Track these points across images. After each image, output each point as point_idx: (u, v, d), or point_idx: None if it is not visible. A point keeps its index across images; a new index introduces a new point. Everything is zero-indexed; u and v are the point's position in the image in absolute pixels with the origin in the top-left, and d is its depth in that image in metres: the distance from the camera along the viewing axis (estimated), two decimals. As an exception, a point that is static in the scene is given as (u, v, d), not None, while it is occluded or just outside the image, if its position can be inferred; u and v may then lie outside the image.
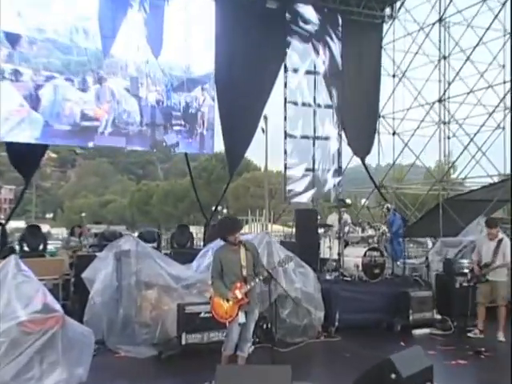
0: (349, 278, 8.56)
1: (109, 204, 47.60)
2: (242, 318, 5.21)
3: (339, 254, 8.48)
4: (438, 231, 12.44)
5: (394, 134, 17.08)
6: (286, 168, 12.37)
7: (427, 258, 9.37)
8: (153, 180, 53.21)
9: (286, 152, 12.56)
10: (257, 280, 5.26)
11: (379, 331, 7.89)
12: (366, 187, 16.31)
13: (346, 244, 8.93)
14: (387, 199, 12.93)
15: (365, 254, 8.41)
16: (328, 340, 7.35)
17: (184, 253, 9.31)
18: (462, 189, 15.16)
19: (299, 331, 7.12)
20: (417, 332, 7.80)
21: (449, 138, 15.48)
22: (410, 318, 7.92)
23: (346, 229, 8.78)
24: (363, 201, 16.70)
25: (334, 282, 8.24)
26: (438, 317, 8.11)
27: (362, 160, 13.38)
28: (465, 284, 7.99)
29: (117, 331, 6.49)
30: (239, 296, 5.17)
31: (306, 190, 12.93)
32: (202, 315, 6.34)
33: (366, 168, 13.44)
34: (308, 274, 7.52)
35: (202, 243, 11.73)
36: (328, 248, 8.82)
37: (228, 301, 5.12)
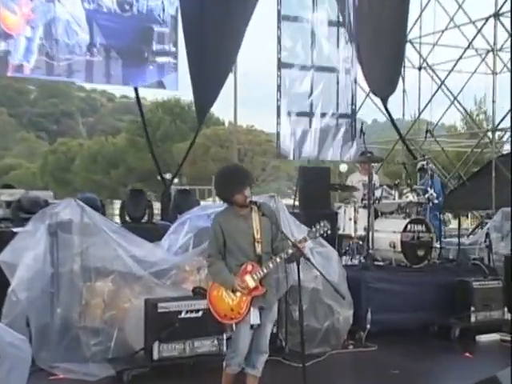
0: (381, 263, 8.36)
1: (12, 171, 46.12)
2: (255, 318, 4.80)
3: (367, 229, 8.24)
4: (489, 201, 12.26)
5: (420, 68, 16.76)
6: (279, 113, 11.77)
7: (488, 236, 8.98)
8: (73, 138, 51.85)
9: (279, 89, 11.95)
10: (277, 260, 4.80)
11: (428, 337, 7.80)
12: (380, 143, 16.01)
13: (377, 215, 8.62)
14: (417, 157, 12.55)
15: (405, 229, 8.22)
16: (359, 350, 7.25)
17: (141, 229, 8.67)
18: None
19: (319, 338, 6.98)
20: (482, 338, 7.71)
21: (496, 73, 15.23)
22: (472, 318, 7.84)
23: (378, 193, 8.27)
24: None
25: (362, 269, 8.00)
26: (509, 317, 8.04)
27: (384, 102, 12.92)
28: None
29: (52, 342, 6.15)
30: (251, 284, 4.77)
31: (304, 143, 12.42)
32: (183, 315, 6.10)
33: (389, 112, 12.96)
34: (330, 256, 7.21)
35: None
36: (350, 221, 8.46)
37: (235, 292, 4.78)
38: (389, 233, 8.34)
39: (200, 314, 6.11)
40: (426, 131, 9.60)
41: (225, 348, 6.15)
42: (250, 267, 4.77)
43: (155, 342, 6.01)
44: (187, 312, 6.08)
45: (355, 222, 8.44)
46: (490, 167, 12.93)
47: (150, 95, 41.71)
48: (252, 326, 4.79)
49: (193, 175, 35.36)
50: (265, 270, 4.80)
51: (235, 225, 4.85)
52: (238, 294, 4.77)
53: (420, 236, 8.32)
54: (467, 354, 6.99)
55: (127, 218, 9.81)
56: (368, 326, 7.49)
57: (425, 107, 15.59)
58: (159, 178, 12.50)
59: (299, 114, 12.70)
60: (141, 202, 10.18)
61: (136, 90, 11.86)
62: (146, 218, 9.91)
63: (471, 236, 11.73)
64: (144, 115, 13.37)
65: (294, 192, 10.23)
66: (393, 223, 8.47)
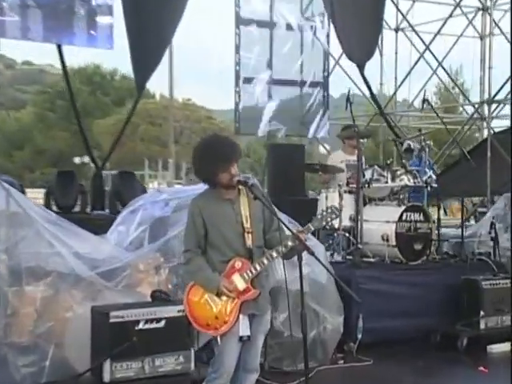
0: (372, 259, 8.27)
1: None
2: (244, 328, 4.63)
3: (356, 219, 8.14)
4: (484, 186, 12.37)
5: (397, 30, 16.79)
6: (237, 80, 11.59)
7: (493, 226, 8.99)
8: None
9: (238, 50, 11.81)
10: (273, 254, 4.61)
11: (430, 348, 7.76)
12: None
13: (365, 202, 8.56)
14: (398, 134, 12.55)
15: (400, 218, 8.18)
16: (352, 365, 7.15)
17: (73, 220, 8.31)
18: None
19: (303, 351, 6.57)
20: (494, 349, 7.72)
21: (482, 37, 15.40)
22: (482, 325, 7.83)
23: (367, 175, 8.22)
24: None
25: (351, 267, 7.91)
26: None
27: (360, 69, 12.85)
28: None
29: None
30: (240, 286, 4.59)
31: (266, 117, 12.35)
32: (142, 326, 5.89)
33: (366, 81, 12.90)
34: (317, 251, 6.92)
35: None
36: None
37: (220, 296, 4.59)
38: (381, 223, 8.26)
39: (162, 324, 5.94)
40: (423, 100, 9.50)
41: (192, 366, 6.03)
42: (238, 264, 4.61)
43: (106, 361, 5.77)
44: (146, 322, 5.89)
45: (340, 210, 8.18)
46: (483, 146, 13.03)
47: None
48: (241, 339, 4.62)
49: (118, 158, 34.73)
50: (258, 268, 4.60)
51: (219, 211, 4.65)
52: (224, 297, 4.59)
53: (417, 227, 8.29)
54: (482, 368, 6.93)
55: (54, 208, 9.56)
56: (359, 336, 7.44)
57: (407, 75, 15.61)
58: (90, 160, 12.20)
59: (260, 83, 12.58)
60: (71, 188, 9.96)
61: (60, 48, 11.72)
62: (78, 207, 9.71)
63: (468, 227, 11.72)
64: (69, 83, 13.05)
65: (262, 175, 10.02)
66: (385, 211, 8.38)
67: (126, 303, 6.07)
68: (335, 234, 8.39)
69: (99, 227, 7.38)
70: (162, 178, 26.76)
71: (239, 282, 4.57)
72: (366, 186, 8.24)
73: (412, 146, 9.15)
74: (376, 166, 8.42)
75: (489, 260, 8.66)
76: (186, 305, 4.68)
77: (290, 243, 4.57)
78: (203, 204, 4.68)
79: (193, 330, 5.99)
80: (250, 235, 4.62)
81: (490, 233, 9.27)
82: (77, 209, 10.13)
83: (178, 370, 5.98)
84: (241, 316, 4.59)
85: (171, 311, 5.95)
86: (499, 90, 13.25)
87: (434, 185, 8.58)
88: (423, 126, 19.87)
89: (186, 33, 12.41)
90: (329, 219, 4.70)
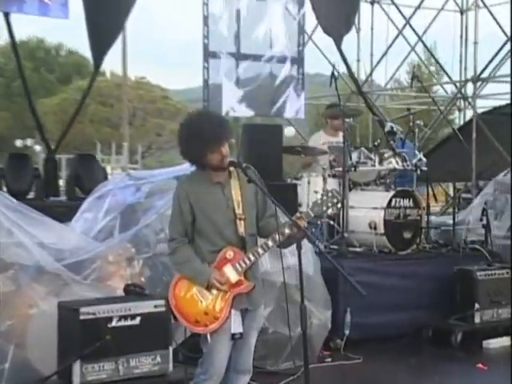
0: (359, 249, 8.23)
1: None
2: (237, 325, 4.56)
3: (341, 205, 7.99)
4: (468, 170, 12.44)
5: (373, 2, 16.78)
6: (206, 55, 11.44)
7: (485, 212, 9.04)
8: None
9: (206, 22, 11.64)
10: (269, 243, 4.53)
11: (423, 343, 7.81)
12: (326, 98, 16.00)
13: (349, 186, 8.42)
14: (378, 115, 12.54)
15: (389, 204, 8.15)
16: (340, 364, 7.13)
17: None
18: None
19: (288, 349, 6.78)
20: (491, 344, 7.74)
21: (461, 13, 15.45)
22: (477, 318, 7.86)
23: (354, 157, 8.16)
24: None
25: (337, 257, 7.81)
26: None
27: (338, 43, 12.79)
28: None
29: None
30: (233, 278, 4.52)
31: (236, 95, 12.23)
32: (115, 324, 5.79)
33: (343, 56, 12.84)
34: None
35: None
36: (316, 194, 8.11)
37: (210, 289, 4.51)
38: (368, 210, 8.22)
39: (137, 321, 5.85)
40: (412, 77, 9.45)
41: (170, 367, 5.96)
42: (230, 254, 4.53)
43: (76, 363, 5.63)
44: (120, 319, 5.77)
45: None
46: (468, 127, 13.09)
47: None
48: (233, 336, 4.54)
49: (66, 141, 34.28)
50: (251, 258, 4.52)
51: (209, 196, 4.56)
52: (215, 291, 4.50)
53: (407, 213, 8.29)
54: (480, 365, 6.94)
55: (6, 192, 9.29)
56: (347, 332, 7.44)
57: (387, 50, 15.62)
58: (43, 142, 12.04)
59: (226, 57, 12.45)
60: (25, 172, 9.77)
61: (7, 17, 11.62)
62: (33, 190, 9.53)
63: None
64: (19, 57, 12.81)
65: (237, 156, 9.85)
66: (372, 197, 8.34)
67: (97, 298, 5.96)
68: (318, 222, 8.29)
69: (58, 215, 7.13)
70: (116, 163, 26.48)
71: (231, 274, 4.48)
72: (353, 169, 8.15)
73: (394, 129, 9.06)
74: (363, 148, 8.35)
75: (482, 249, 8.68)
76: (172, 299, 4.57)
77: (287, 231, 4.47)
78: (190, 188, 4.57)
79: (170, 327, 5.94)
80: (242, 222, 4.54)
81: (481, 220, 9.26)
82: (31, 195, 9.92)
83: (155, 371, 5.88)
84: (233, 311, 4.50)
85: (147, 307, 5.87)
86: (486, 67, 13.30)
87: (424, 168, 8.54)
88: (398, 107, 20.10)
89: (142, 5, 12.21)
90: (329, 204, 4.59)
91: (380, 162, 8.37)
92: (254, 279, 4.58)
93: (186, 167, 6.90)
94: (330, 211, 8.06)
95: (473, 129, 12.76)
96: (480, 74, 13.35)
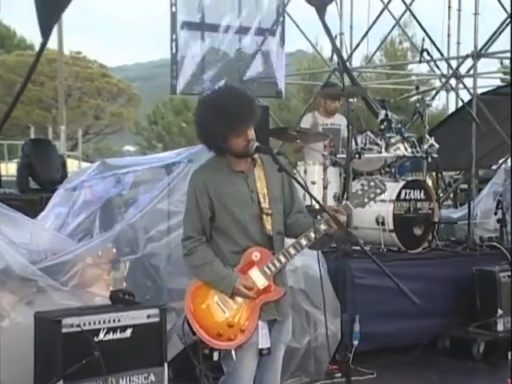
0: (366, 248, 7.99)
1: None
2: (264, 339, 4.47)
3: (342, 198, 8.17)
4: (463, 158, 12.47)
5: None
6: (174, 26, 11.24)
7: (500, 206, 9.02)
8: None
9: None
10: (303, 242, 4.43)
11: (440, 356, 7.82)
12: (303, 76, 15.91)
13: (355, 176, 8.40)
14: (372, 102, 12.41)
15: (398, 196, 8.11)
16: (353, 380, 6.76)
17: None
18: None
19: (294, 364, 6.90)
20: (519, 355, 7.82)
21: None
22: (500, 326, 7.86)
23: (359, 141, 8.19)
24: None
25: (342, 256, 7.65)
26: None
27: (320, 14, 12.63)
28: None
29: None
30: (261, 284, 4.42)
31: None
32: (103, 337, 5.63)
33: (328, 29, 12.71)
34: None
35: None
36: (314, 185, 8.16)
37: (234, 296, 4.42)
38: (375, 204, 8.07)
39: (128, 333, 5.69)
40: (421, 51, 9.37)
41: None
42: (256, 255, 4.43)
43: (59, 383, 5.44)
44: (108, 332, 5.61)
45: (325, 188, 8.06)
46: (465, 110, 13.07)
47: None
48: (261, 352, 4.46)
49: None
50: (282, 261, 4.43)
51: (231, 187, 4.46)
52: (240, 299, 4.41)
53: (417, 207, 8.29)
54: (510, 381, 6.88)
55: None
56: (355, 343, 7.39)
57: (373, 24, 15.56)
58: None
59: (191, 28, 12.28)
60: None
61: None
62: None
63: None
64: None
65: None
66: (380, 188, 8.21)
67: (80, 307, 5.82)
68: (318, 217, 8.18)
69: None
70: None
71: (258, 279, 4.40)
72: (357, 156, 8.06)
73: (390, 116, 8.96)
74: (369, 132, 8.27)
75: (501, 246, 8.67)
76: (190, 310, 4.47)
77: (323, 227, 4.40)
78: (209, 178, 4.45)
79: (165, 341, 5.80)
80: (269, 218, 4.45)
81: (495, 213, 9.28)
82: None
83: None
84: (260, 323, 4.42)
85: (139, 317, 5.72)
86: (491, 42, 13.29)
87: (435, 155, 8.50)
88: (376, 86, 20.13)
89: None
90: (372, 195, 4.55)
91: (386, 148, 8.31)
92: (283, 285, 4.50)
93: (175, 155, 6.81)
94: (329, 204, 8.14)
95: (473, 112, 12.68)
96: (481, 49, 13.35)
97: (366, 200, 4.53)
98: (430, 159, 8.49)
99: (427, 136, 8.51)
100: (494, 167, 15.52)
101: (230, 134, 4.33)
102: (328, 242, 4.52)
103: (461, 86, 14.72)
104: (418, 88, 9.21)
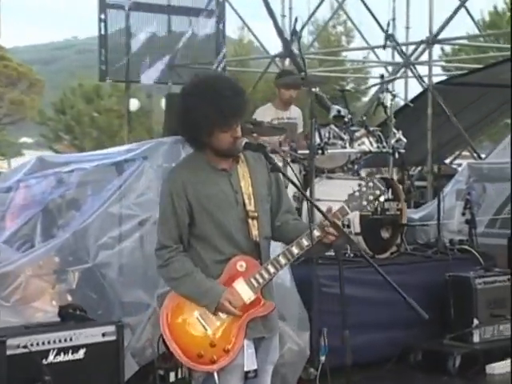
0: (331, 253, 8.08)
1: None
2: (250, 361, 4.38)
3: (301, 198, 8.15)
4: (416, 153, 12.59)
5: None
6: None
7: (468, 205, 9.10)
8: None
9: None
10: (294, 250, 4.35)
11: (413, 371, 7.86)
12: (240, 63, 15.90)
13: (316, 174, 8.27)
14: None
15: None
16: None
17: None
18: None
19: None
20: (496, 369, 7.77)
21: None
22: (476, 337, 7.91)
23: (326, 134, 8.16)
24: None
25: (308, 263, 7.61)
26: None
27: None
28: None
29: None
30: (246, 297, 4.33)
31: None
32: (53, 359, 5.60)
33: (270, 9, 12.76)
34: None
35: None
36: None
37: (217, 311, 4.30)
38: (338, 203, 8.06)
39: (81, 354, 5.68)
40: (387, 36, 9.36)
41: None
42: (242, 265, 4.34)
43: None
44: (59, 353, 5.60)
45: (285, 187, 7.99)
46: (421, 100, 13.23)
47: None
48: (247, 375, 4.37)
49: None
50: (271, 271, 4.33)
51: (212, 187, 4.37)
52: (223, 315, 4.31)
53: (385, 207, 8.29)
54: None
55: None
56: (323, 359, 7.33)
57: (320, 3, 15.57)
58: None
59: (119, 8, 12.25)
60: None
61: None
62: None
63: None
64: None
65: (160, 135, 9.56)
66: (344, 187, 8.07)
67: (26, 325, 5.70)
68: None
69: None
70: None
71: (245, 292, 4.31)
72: (320, 152, 8.02)
73: (342, 112, 8.94)
74: (332, 126, 8.24)
75: (473, 250, 8.73)
76: (165, 327, 4.33)
77: (317, 233, 4.34)
78: (187, 178, 4.35)
79: (123, 361, 5.70)
80: (255, 222, 4.37)
81: (463, 214, 9.35)
82: None
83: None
84: (245, 342, 4.33)
85: (93, 335, 5.70)
86: (445, 26, 13.46)
87: (402, 150, 8.53)
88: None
89: None
90: (371, 197, 4.51)
91: (350, 143, 8.29)
92: (271, 298, 4.42)
93: (124, 151, 6.68)
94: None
95: (428, 102, 12.84)
96: (438, 35, 13.49)
97: (365, 203, 4.50)
98: (396, 155, 8.53)
99: (394, 130, 8.52)
100: (447, 161, 15.86)
101: (218, 127, 4.24)
102: (324, 249, 4.44)
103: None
104: (382, 77, 9.23)
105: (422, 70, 15.88)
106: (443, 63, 22.79)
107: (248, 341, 4.32)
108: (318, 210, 4.41)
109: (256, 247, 4.34)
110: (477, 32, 18.73)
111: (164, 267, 4.35)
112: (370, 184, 4.50)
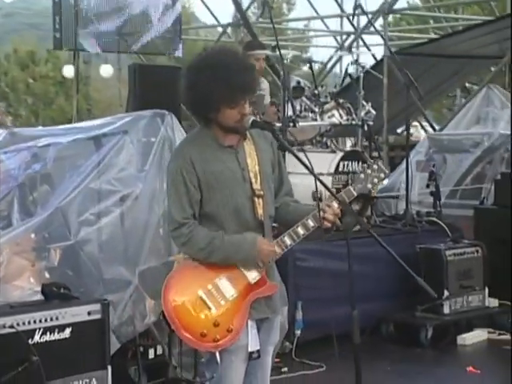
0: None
1: None
2: (254, 341, 4.33)
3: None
4: (379, 122, 12.64)
5: None
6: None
7: (433, 177, 9.13)
8: None
9: None
10: (299, 231, 4.33)
11: (386, 342, 7.91)
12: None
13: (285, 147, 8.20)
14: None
15: (336, 169, 8.08)
16: (300, 374, 7.06)
17: None
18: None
19: None
20: (468, 339, 7.92)
21: None
22: (446, 309, 7.99)
23: (297, 107, 8.14)
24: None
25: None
26: (494, 303, 8.38)
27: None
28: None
29: None
30: (251, 278, 4.29)
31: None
32: (39, 339, 5.41)
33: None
34: None
35: None
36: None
37: (259, 261, 4.28)
38: (311, 176, 8.04)
39: (67, 333, 5.48)
40: (355, 7, 9.27)
41: None
42: None
43: None
44: (45, 332, 5.39)
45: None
46: (378, 70, 13.20)
47: None
48: (251, 356, 4.32)
49: None
50: (277, 251, 4.29)
51: (219, 164, 4.27)
52: (229, 294, 4.24)
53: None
54: (471, 369, 7.04)
55: None
56: (298, 332, 7.40)
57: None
58: None
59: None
60: None
61: None
62: None
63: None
64: None
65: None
66: (316, 160, 8.03)
67: (10, 305, 5.51)
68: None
69: None
70: None
71: (249, 272, 4.25)
72: (291, 124, 7.94)
73: (302, 84, 8.86)
74: (304, 98, 8.16)
75: (440, 222, 8.77)
76: (168, 306, 4.24)
77: (311, 224, 4.31)
78: (196, 154, 4.23)
79: (108, 340, 5.59)
80: (260, 200, 4.30)
81: (428, 186, 9.37)
82: None
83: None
84: (249, 322, 4.27)
85: (79, 314, 5.51)
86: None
87: (371, 123, 8.52)
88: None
89: None
90: (375, 180, 4.47)
91: (320, 115, 8.24)
92: (274, 279, 4.39)
93: (99, 125, 6.50)
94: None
95: (384, 72, 12.80)
96: (392, 5, 13.44)
97: (370, 185, 4.47)
98: (366, 127, 8.51)
99: (363, 102, 8.49)
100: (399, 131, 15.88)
101: (226, 102, 4.13)
102: (330, 230, 4.40)
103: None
104: (350, 49, 9.20)
105: (369, 40, 16.01)
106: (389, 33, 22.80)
107: (251, 321, 4.27)
108: (327, 189, 4.38)
109: (260, 226, 4.28)
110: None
111: (187, 243, 4.21)
112: (375, 167, 4.47)
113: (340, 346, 7.36)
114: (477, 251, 8.29)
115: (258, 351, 4.31)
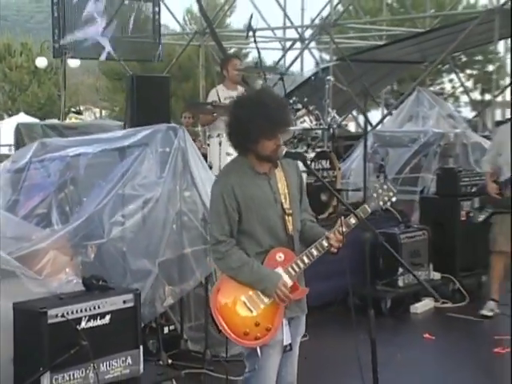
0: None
1: None
2: (288, 336, 4.36)
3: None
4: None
5: None
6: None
7: (382, 168, 9.21)
8: None
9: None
10: (324, 243, 4.39)
11: (350, 313, 7.68)
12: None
13: None
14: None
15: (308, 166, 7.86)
16: None
17: None
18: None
19: None
20: (418, 308, 8.02)
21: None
22: (400, 282, 8.08)
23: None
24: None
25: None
26: (437, 276, 8.50)
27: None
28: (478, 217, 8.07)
29: None
30: (288, 283, 4.28)
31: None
32: (85, 325, 5.32)
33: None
34: None
35: None
36: (228, 157, 7.78)
37: (270, 295, 4.23)
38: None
39: (107, 319, 5.41)
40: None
41: (141, 368, 5.54)
42: (280, 256, 4.28)
43: (45, 375, 5.08)
44: (90, 319, 5.31)
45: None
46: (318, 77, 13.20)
47: None
48: (285, 349, 4.34)
49: None
50: (305, 261, 4.32)
51: (255, 188, 4.27)
52: (267, 299, 4.23)
53: (324, 175, 8.28)
54: (427, 336, 7.12)
55: None
56: None
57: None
58: None
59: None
60: None
61: None
62: None
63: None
64: None
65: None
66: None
67: (58, 296, 5.40)
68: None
69: None
70: None
71: (286, 279, 4.25)
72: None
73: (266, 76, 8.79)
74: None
75: (392, 209, 8.74)
76: (216, 309, 4.24)
77: (325, 244, 4.39)
78: (235, 181, 4.21)
79: (140, 324, 5.61)
80: (290, 218, 4.31)
81: (377, 177, 9.41)
82: None
83: (126, 374, 5.46)
84: (283, 321, 4.29)
85: (116, 303, 5.43)
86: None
87: (335, 126, 8.56)
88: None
89: None
90: (386, 198, 4.49)
91: (294, 121, 8.19)
92: (303, 284, 4.42)
93: (121, 137, 6.38)
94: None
95: (330, 71, 12.77)
96: (337, 20, 13.40)
97: (381, 203, 4.50)
98: (331, 131, 8.53)
99: (329, 109, 8.49)
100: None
101: (265, 135, 4.14)
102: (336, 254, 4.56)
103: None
104: (317, 64, 9.15)
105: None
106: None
107: (285, 320, 4.29)
108: (353, 212, 4.40)
109: (291, 240, 4.29)
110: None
111: (222, 259, 4.21)
112: (385, 187, 4.49)
113: (313, 316, 7.40)
114: (423, 234, 8.39)
115: (290, 344, 4.33)
